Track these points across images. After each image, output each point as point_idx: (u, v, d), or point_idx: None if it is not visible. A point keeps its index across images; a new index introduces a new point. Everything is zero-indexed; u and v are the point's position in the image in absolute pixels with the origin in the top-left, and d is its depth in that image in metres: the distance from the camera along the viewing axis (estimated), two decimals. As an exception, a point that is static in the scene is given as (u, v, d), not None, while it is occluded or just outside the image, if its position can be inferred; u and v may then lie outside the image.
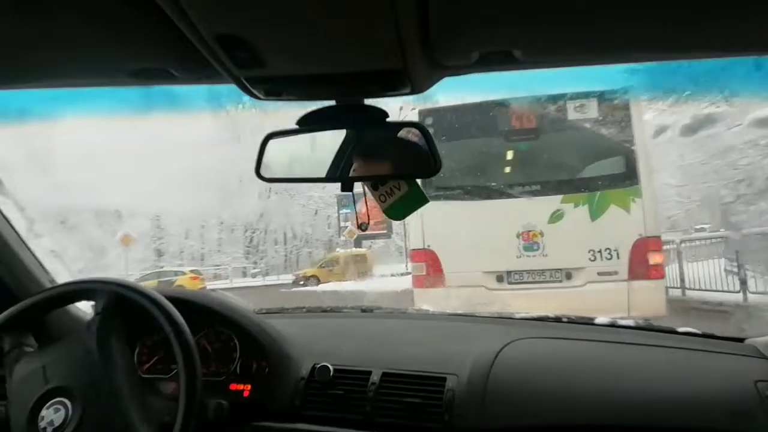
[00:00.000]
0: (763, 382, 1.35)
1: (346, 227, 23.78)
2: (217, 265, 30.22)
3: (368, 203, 1.23)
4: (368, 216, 1.22)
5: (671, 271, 9.92)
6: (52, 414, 1.15)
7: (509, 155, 6.42)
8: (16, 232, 1.71)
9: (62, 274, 1.82)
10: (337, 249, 27.01)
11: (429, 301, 6.06)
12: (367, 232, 24.81)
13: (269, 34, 0.83)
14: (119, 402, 1.16)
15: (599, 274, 5.88)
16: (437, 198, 6.10)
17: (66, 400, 1.17)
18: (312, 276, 23.68)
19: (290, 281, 24.35)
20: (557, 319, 1.87)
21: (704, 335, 1.66)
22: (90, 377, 1.20)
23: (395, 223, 27.71)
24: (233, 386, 1.57)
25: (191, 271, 23.79)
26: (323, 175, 1.17)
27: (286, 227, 33.44)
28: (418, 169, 1.13)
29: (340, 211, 27.08)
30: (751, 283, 8.87)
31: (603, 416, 1.36)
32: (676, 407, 1.35)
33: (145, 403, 1.23)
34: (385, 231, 26.30)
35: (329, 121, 1.11)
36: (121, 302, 1.27)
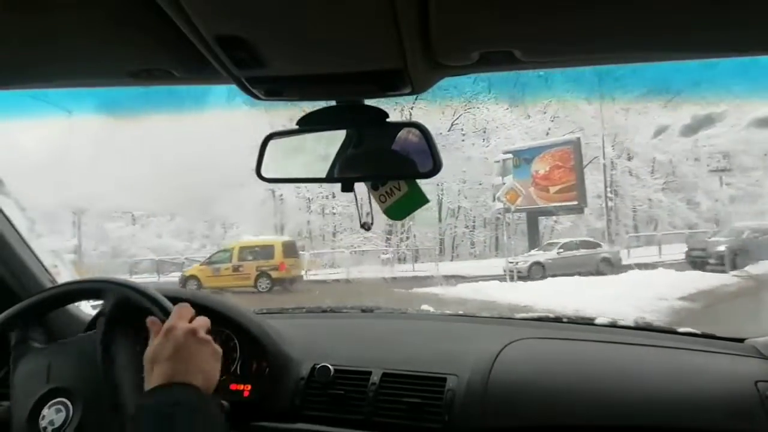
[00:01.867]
0: (763, 382, 1.35)
1: (502, 185, 16.24)
2: (355, 246, 22.94)
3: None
4: (372, 217, 1.22)
5: None
6: (53, 414, 1.15)
7: None
8: (17, 231, 1.71)
9: (62, 274, 1.81)
10: (244, 236, 20.04)
11: None
12: (548, 204, 18.79)
13: (269, 35, 0.83)
14: (121, 403, 1.15)
15: None
16: None
17: (67, 401, 1.16)
18: (191, 277, 17.70)
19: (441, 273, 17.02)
20: (557, 320, 1.87)
21: (704, 335, 1.66)
22: (92, 379, 1.19)
23: (591, 193, 20.42)
24: (233, 386, 1.57)
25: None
26: (323, 175, 1.17)
27: (437, 201, 24.41)
28: (418, 169, 1.13)
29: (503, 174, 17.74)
30: None
31: (603, 416, 1.36)
32: (676, 407, 1.35)
33: None
34: (575, 202, 18.68)
35: (329, 122, 1.11)
36: (126, 303, 1.27)
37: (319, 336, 1.80)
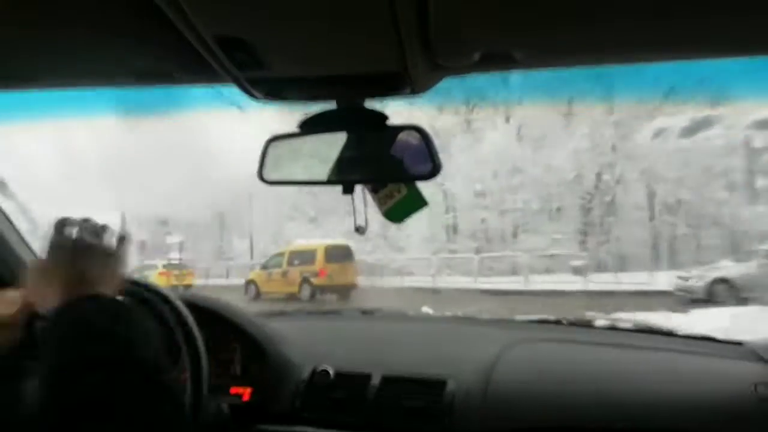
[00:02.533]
0: (762, 385, 1.35)
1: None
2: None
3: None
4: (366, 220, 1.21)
5: None
6: None
7: None
8: (17, 233, 1.71)
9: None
10: (297, 240, 18.55)
11: None
12: None
13: (269, 36, 0.83)
14: None
15: None
16: None
17: None
18: (251, 281, 17.22)
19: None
20: (557, 322, 1.86)
21: (703, 338, 1.66)
22: None
23: None
24: (233, 389, 1.57)
25: (163, 266, 19.27)
26: (324, 177, 1.17)
27: (646, 191, 19.26)
28: (418, 172, 1.13)
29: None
30: None
31: (602, 418, 1.37)
32: (674, 410, 1.35)
33: None
34: None
35: (330, 124, 1.12)
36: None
37: (319, 338, 1.81)
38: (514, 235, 20.84)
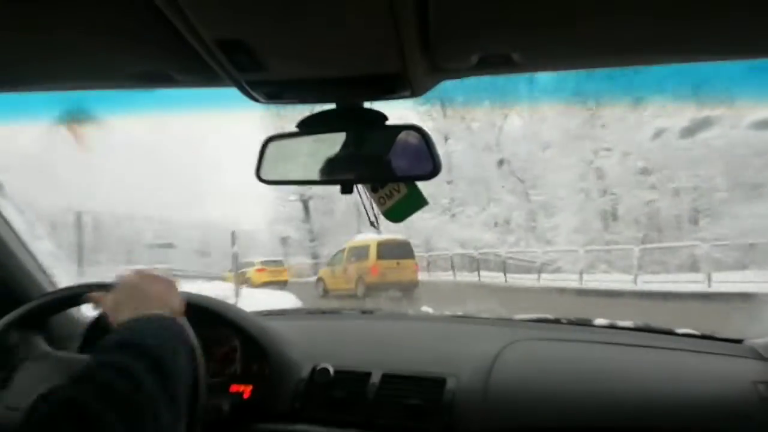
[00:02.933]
0: (761, 383, 1.35)
1: None
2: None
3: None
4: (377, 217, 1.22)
5: None
6: None
7: None
8: (16, 234, 1.70)
9: (62, 277, 1.81)
10: (359, 234, 16.77)
11: None
12: None
13: (270, 38, 0.84)
14: None
15: None
16: None
17: None
18: (320, 278, 16.88)
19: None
20: (556, 321, 1.86)
21: (703, 336, 1.66)
22: None
23: None
24: (233, 387, 1.57)
25: (261, 263, 18.64)
26: (323, 177, 1.17)
27: None
28: (417, 171, 1.13)
29: None
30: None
31: (602, 417, 1.37)
32: (674, 408, 1.35)
33: None
34: None
35: (329, 124, 1.12)
36: None
37: (319, 337, 1.80)
38: (694, 220, 16.75)
